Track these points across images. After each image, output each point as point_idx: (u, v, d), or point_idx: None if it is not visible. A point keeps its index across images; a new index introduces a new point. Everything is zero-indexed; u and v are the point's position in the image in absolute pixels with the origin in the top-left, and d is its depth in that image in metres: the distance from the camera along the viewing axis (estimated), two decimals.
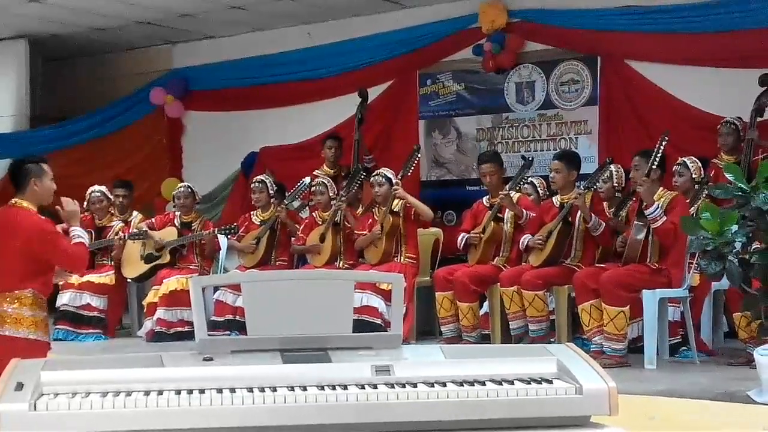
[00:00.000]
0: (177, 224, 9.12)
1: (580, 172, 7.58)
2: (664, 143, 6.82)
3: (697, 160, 7.35)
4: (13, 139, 11.84)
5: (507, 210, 7.71)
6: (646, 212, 6.73)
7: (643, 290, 6.69)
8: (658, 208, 6.71)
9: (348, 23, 10.59)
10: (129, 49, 12.11)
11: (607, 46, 9.29)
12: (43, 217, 4.92)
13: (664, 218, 6.68)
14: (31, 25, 11.05)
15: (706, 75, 8.69)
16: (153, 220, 9.31)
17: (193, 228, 9.10)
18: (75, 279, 8.94)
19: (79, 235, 4.94)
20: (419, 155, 8.76)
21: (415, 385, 2.90)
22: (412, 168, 8.45)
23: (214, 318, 8.43)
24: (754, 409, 5.19)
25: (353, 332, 3.20)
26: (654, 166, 6.77)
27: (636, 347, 6.85)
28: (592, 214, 7.09)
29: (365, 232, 8.29)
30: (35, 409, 2.72)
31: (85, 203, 9.31)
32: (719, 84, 8.56)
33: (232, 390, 2.82)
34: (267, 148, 11.11)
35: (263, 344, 3.11)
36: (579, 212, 7.21)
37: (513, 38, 9.62)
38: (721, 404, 5.31)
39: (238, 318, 8.23)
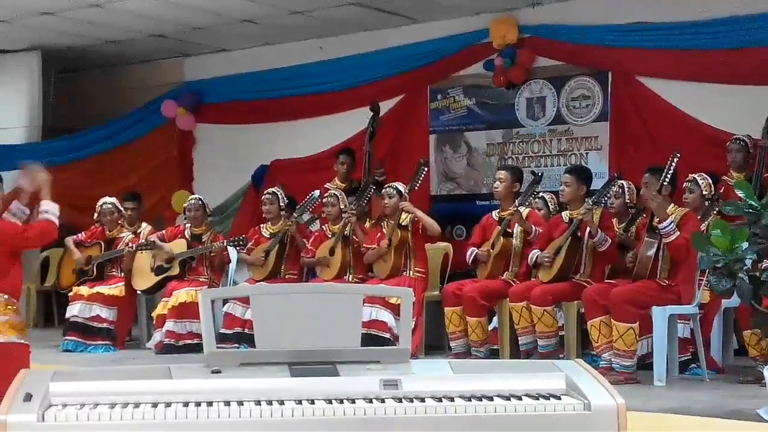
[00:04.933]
0: (187, 236, 9.14)
1: (591, 188, 7.59)
2: (675, 160, 6.81)
3: (708, 177, 7.34)
4: (26, 151, 11.87)
5: (516, 225, 7.71)
6: (660, 227, 6.71)
7: (653, 307, 6.67)
8: (671, 222, 6.70)
9: (359, 38, 10.62)
10: (141, 62, 12.17)
11: (618, 62, 9.29)
12: None
13: (677, 233, 6.66)
14: (44, 37, 11.11)
15: (716, 91, 8.69)
16: (164, 231, 9.33)
17: (203, 240, 9.11)
18: (85, 291, 8.98)
19: (47, 210, 4.89)
20: (426, 169, 8.76)
21: (423, 400, 2.90)
22: (419, 182, 8.45)
23: (223, 330, 8.44)
24: (764, 427, 5.16)
25: (361, 346, 3.20)
26: (665, 183, 6.76)
27: (645, 364, 6.83)
28: (599, 230, 7.08)
29: (374, 246, 8.29)
30: (43, 419, 2.72)
31: (96, 215, 9.35)
32: (730, 101, 8.56)
33: (240, 403, 2.83)
34: (277, 161, 11.14)
35: (271, 357, 3.11)
36: (588, 228, 7.21)
37: (524, 54, 9.64)
38: (730, 422, 5.28)
39: (246, 331, 8.23)
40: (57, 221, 4.90)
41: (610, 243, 7.10)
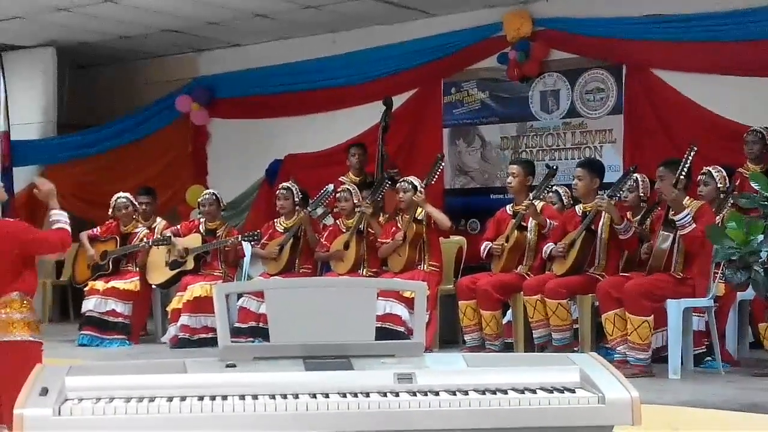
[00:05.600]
0: (202, 231, 9.16)
1: (604, 181, 7.57)
2: (692, 155, 6.79)
3: (722, 170, 7.30)
4: (41, 146, 11.95)
5: (530, 218, 7.70)
6: (676, 219, 6.69)
7: (668, 300, 6.65)
8: (688, 215, 6.68)
9: (372, 31, 10.61)
10: (155, 57, 12.19)
11: (632, 54, 9.26)
12: (9, 219, 4.94)
13: (693, 225, 6.64)
14: (58, 33, 11.14)
15: (731, 84, 8.65)
16: (179, 226, 9.36)
17: (217, 235, 9.13)
18: (100, 285, 9.02)
19: (58, 220, 4.93)
20: (443, 164, 8.75)
21: (437, 394, 2.90)
22: (436, 176, 8.45)
23: (237, 325, 8.45)
24: None
25: (376, 340, 3.21)
26: (681, 177, 6.73)
27: (660, 357, 6.81)
28: (623, 217, 7.05)
29: (389, 240, 8.30)
30: (59, 414, 2.74)
31: (111, 210, 9.38)
32: (745, 93, 8.52)
33: (255, 397, 2.84)
34: (291, 155, 11.15)
35: (286, 351, 3.12)
36: (602, 221, 7.20)
37: (538, 47, 9.61)
38: (746, 415, 5.27)
39: (261, 325, 8.24)
40: (69, 228, 4.93)
41: (633, 230, 7.07)
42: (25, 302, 4.74)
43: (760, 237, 5.31)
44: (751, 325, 7.27)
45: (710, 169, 7.28)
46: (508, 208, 8.02)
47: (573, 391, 2.96)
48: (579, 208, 7.47)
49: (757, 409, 5.36)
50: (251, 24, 10.68)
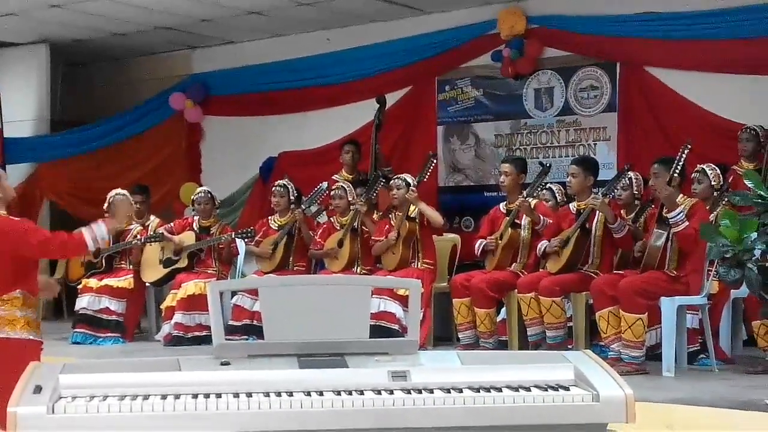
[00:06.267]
0: (195, 228, 9.16)
1: (599, 179, 7.58)
2: (686, 152, 6.79)
3: (716, 167, 7.31)
4: (34, 144, 11.92)
5: (524, 216, 7.71)
6: (670, 216, 6.69)
7: (662, 297, 6.67)
8: (681, 212, 6.68)
9: (367, 29, 10.60)
10: (149, 54, 12.17)
11: (626, 52, 9.26)
12: (14, 218, 4.89)
13: (686, 223, 6.65)
14: (52, 29, 11.12)
15: (725, 82, 8.65)
16: (172, 224, 9.34)
17: (211, 232, 9.13)
18: (94, 283, 9.00)
19: (95, 229, 4.84)
20: (434, 161, 8.75)
21: (431, 391, 2.90)
22: (428, 174, 8.45)
23: (231, 322, 8.45)
24: None
25: (370, 338, 3.21)
26: (675, 174, 6.74)
27: (654, 354, 6.83)
28: (617, 216, 7.05)
29: (382, 239, 8.30)
30: (53, 412, 2.73)
31: (107, 206, 9.36)
32: (739, 91, 8.52)
33: (249, 395, 2.84)
34: (285, 153, 11.13)
35: (280, 349, 3.12)
36: (596, 219, 7.20)
37: (532, 44, 9.61)
38: (739, 412, 5.28)
39: (255, 323, 8.24)
40: (91, 243, 4.81)
41: (628, 229, 7.08)
42: (27, 301, 4.72)
43: (754, 235, 5.31)
44: (745, 323, 7.28)
45: (704, 166, 7.29)
46: (502, 206, 8.03)
47: (567, 389, 2.96)
48: (573, 206, 7.48)
49: (751, 407, 5.37)
50: (245, 21, 10.66)
